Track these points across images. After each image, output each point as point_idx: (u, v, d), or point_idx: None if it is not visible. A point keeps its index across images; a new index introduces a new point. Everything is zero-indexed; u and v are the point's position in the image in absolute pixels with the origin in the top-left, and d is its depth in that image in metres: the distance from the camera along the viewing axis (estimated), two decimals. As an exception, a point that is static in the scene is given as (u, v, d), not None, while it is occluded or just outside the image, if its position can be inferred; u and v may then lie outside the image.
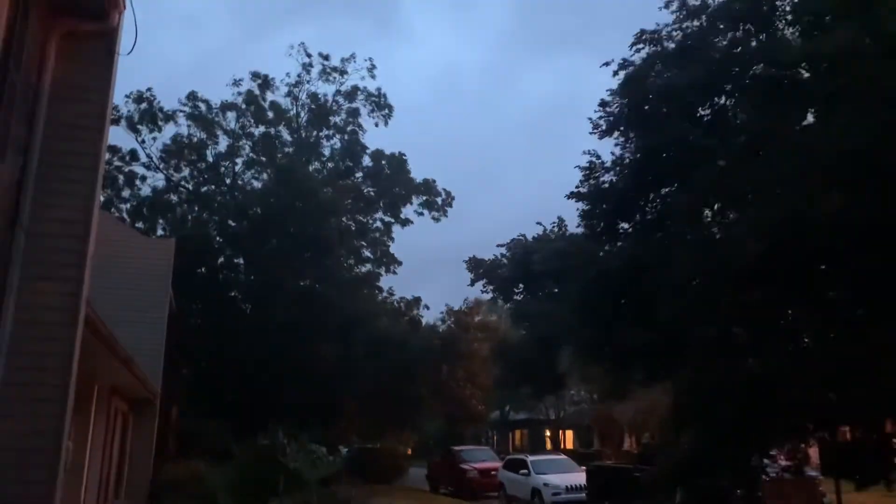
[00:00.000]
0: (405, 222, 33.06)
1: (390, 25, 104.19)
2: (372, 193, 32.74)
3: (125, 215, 29.82)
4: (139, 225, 28.62)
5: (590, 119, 16.40)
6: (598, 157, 16.64)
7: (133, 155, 30.92)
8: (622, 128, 15.99)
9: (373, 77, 33.19)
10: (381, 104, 33.06)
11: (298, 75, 33.00)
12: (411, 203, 33.00)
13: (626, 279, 14.67)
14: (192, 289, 28.96)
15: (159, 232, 29.80)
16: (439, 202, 33.33)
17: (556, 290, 21.26)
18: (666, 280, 13.39)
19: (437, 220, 33.69)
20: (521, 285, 23.80)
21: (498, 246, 25.16)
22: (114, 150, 30.24)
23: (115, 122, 29.89)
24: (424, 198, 33.07)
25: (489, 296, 24.81)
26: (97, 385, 11.24)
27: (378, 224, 33.42)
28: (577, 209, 16.96)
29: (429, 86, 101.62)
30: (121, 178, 30.73)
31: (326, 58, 33.04)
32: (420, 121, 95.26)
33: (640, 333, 13.65)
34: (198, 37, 78.14)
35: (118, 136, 31.12)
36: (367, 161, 32.93)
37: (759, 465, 13.32)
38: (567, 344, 18.71)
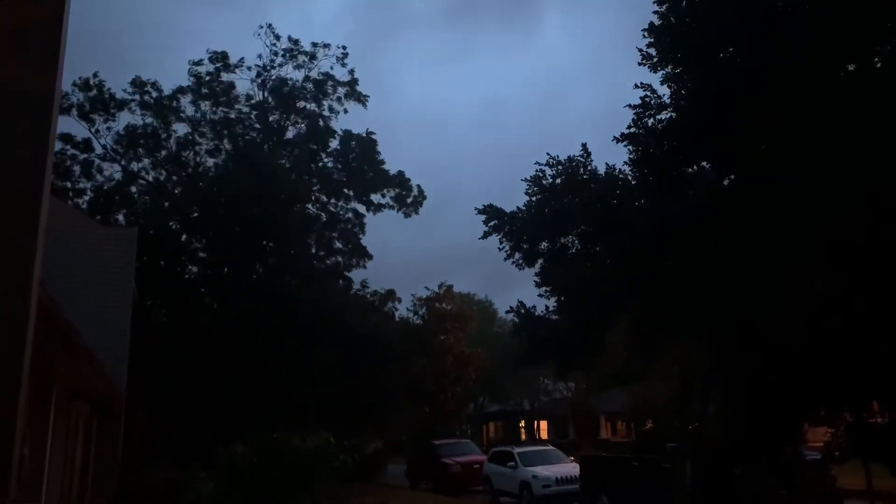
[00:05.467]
0: (377, 208, 32.06)
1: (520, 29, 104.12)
2: (343, 178, 31.64)
3: (83, 208, 28.28)
4: (98, 218, 27.07)
5: (639, 49, 13.93)
6: (654, 90, 14.09)
7: (88, 145, 29.33)
8: (679, 55, 13.27)
9: (343, 65, 32.02)
10: (353, 92, 31.99)
11: (272, 60, 31.76)
12: (383, 195, 32.07)
13: (696, 233, 12.25)
14: (155, 284, 27.67)
15: (119, 224, 28.35)
16: (411, 198, 32.37)
17: (591, 246, 17.14)
18: (749, 232, 11.32)
19: (407, 215, 32.77)
20: (545, 243, 17.21)
21: (523, 181, 17.54)
22: (67, 138, 28.65)
23: (66, 110, 28.28)
24: (397, 191, 32.11)
25: (504, 253, 17.88)
26: (56, 387, 10.14)
27: (349, 215, 32.41)
28: (628, 151, 14.33)
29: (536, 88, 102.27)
30: (77, 168, 29.14)
31: (296, 42, 31.89)
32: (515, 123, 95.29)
33: (712, 299, 12.07)
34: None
35: (70, 124, 29.53)
36: (335, 144, 31.81)
37: (793, 451, 12.67)
38: (613, 310, 15.91)
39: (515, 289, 57.77)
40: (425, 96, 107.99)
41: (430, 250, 76.28)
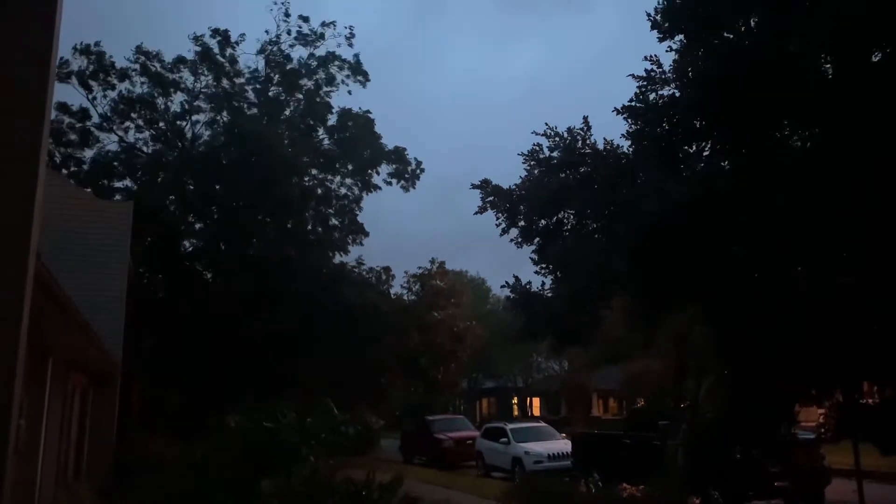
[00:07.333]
0: (373, 187, 32.06)
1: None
2: (339, 154, 31.55)
3: (78, 179, 28.12)
4: (90, 189, 26.93)
5: (648, 14, 13.39)
6: (660, 64, 13.68)
7: (85, 114, 29.11)
8: (687, 25, 12.74)
9: (350, 45, 31.98)
10: (356, 70, 31.79)
11: (277, 36, 31.50)
12: (378, 172, 32.06)
13: (698, 214, 12.05)
14: (151, 257, 27.67)
15: (116, 197, 28.21)
16: (409, 171, 32.33)
17: (589, 223, 16.13)
18: (753, 215, 11.20)
19: (406, 189, 32.78)
20: (542, 220, 16.82)
21: (519, 155, 16.81)
22: (63, 107, 28.37)
23: (65, 77, 27.99)
24: (395, 166, 32.06)
25: (500, 228, 17.27)
26: (52, 358, 10.16)
27: (346, 192, 32.38)
28: (627, 124, 13.99)
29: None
30: (73, 136, 28.93)
31: (306, 20, 31.69)
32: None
33: (715, 280, 11.95)
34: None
35: (68, 93, 29.31)
36: (333, 121, 31.66)
37: (787, 432, 12.81)
38: (611, 287, 15.69)
39: (531, 276, 57.91)
40: (465, 77, 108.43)
41: (454, 231, 76.62)
